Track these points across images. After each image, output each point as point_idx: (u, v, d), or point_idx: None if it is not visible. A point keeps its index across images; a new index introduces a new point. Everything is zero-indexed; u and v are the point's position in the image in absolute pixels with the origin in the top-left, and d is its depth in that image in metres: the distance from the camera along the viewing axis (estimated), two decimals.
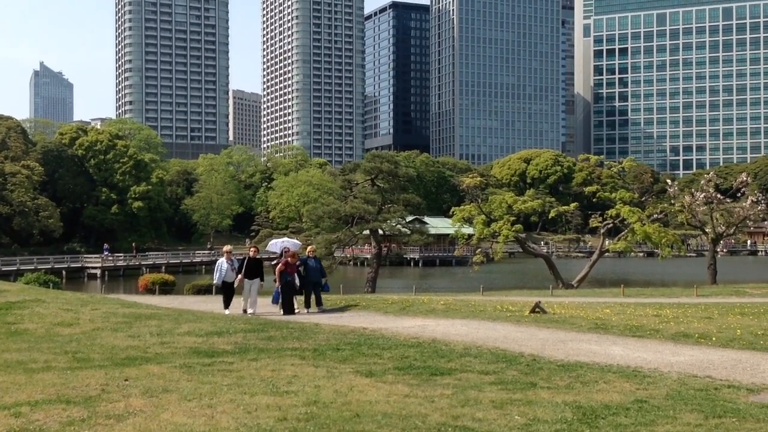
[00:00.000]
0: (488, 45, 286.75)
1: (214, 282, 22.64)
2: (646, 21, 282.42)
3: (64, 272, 70.68)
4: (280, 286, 21.32)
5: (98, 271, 76.01)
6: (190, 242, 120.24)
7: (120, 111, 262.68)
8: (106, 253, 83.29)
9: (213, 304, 25.11)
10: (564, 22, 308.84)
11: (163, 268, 77.21)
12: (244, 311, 21.31)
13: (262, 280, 21.82)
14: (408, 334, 15.50)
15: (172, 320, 17.60)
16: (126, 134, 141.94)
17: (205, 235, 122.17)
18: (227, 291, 22.08)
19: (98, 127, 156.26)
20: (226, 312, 21.19)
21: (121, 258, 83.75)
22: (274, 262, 22.58)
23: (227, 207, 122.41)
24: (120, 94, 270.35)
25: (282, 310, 21.23)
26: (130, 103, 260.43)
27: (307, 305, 21.95)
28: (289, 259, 21.54)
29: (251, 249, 23.02)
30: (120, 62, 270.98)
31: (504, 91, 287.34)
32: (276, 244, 23.61)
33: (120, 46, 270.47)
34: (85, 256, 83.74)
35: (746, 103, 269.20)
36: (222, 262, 21.98)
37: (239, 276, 21.44)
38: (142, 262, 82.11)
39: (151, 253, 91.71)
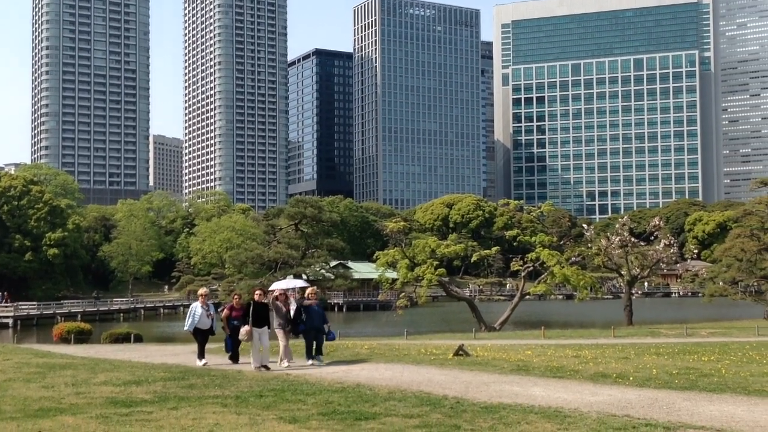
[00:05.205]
0: (410, 92, 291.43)
1: (185, 328, 19.61)
2: (562, 71, 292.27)
3: None
4: (229, 333, 19.27)
5: (10, 321, 73.15)
6: (108, 290, 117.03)
7: (35, 156, 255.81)
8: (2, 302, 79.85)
9: (131, 352, 24.44)
10: (484, 71, 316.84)
11: (79, 316, 74.79)
12: (263, 366, 17.92)
13: (269, 327, 18.78)
14: (332, 379, 15.40)
15: (88, 370, 17.07)
16: (41, 180, 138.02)
17: (124, 282, 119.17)
18: (201, 339, 19.48)
19: (12, 172, 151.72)
20: (201, 363, 18.99)
21: (34, 306, 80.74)
22: (221, 308, 20.58)
23: (147, 253, 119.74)
24: (36, 139, 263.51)
25: (231, 359, 19.51)
26: (46, 148, 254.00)
27: (309, 355, 19.26)
28: (234, 302, 19.53)
29: (257, 292, 19.17)
30: (36, 106, 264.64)
31: (426, 137, 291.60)
32: (281, 285, 21.18)
33: (36, 90, 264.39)
34: None
35: (657, 150, 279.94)
36: (196, 307, 19.50)
37: (246, 327, 18.28)
38: (57, 311, 79.40)
39: (66, 301, 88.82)
